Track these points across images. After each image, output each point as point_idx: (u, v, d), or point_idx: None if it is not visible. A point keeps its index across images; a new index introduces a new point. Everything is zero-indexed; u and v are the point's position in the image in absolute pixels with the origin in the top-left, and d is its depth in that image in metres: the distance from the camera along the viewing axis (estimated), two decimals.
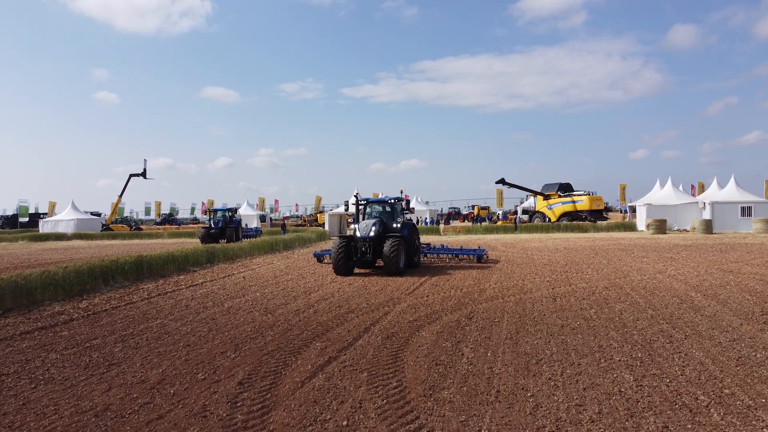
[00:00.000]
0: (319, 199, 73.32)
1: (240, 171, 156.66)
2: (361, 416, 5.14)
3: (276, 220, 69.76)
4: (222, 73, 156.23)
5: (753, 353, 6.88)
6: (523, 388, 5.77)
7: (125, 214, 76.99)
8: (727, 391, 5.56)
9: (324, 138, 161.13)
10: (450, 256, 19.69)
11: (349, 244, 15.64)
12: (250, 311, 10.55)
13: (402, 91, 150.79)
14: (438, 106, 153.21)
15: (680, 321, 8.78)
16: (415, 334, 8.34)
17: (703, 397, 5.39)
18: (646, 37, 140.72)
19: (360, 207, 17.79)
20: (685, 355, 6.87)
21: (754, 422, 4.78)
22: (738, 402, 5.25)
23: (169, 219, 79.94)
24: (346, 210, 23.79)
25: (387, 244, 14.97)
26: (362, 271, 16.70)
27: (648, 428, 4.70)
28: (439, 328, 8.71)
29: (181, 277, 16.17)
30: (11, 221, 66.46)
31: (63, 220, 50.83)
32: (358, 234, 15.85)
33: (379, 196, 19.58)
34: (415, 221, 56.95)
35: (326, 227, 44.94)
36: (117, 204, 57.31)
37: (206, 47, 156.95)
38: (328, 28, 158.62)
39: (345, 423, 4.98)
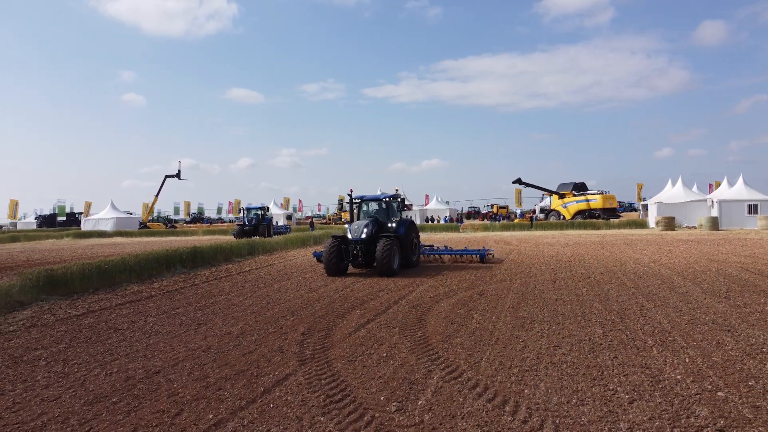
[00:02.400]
0: (342, 199, 75.57)
1: (262, 171, 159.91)
2: (395, 352, 7.12)
3: (300, 219, 72.20)
4: (246, 75, 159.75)
5: (703, 316, 8.70)
6: (516, 337, 7.70)
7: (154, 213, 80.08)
8: (671, 338, 7.42)
9: (345, 138, 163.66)
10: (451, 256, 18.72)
11: (341, 245, 15.26)
12: (296, 290, 12.63)
13: (423, 91, 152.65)
14: (459, 106, 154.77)
15: (655, 296, 10.61)
16: (435, 305, 10.32)
17: (650, 342, 7.26)
18: (671, 35, 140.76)
19: (354, 205, 17.39)
20: (650, 318, 8.71)
21: (682, 355, 6.63)
22: (676, 344, 7.11)
23: (199, 218, 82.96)
24: (341, 209, 23.51)
25: (380, 244, 14.60)
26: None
27: (603, 358, 6.59)
28: (455, 301, 10.69)
29: (230, 266, 18.38)
30: (49, 220, 69.82)
31: (103, 218, 53.87)
32: (349, 236, 15.45)
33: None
34: (431, 220, 58.94)
35: None
36: (154, 203, 60.22)
37: (231, 49, 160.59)
38: (351, 28, 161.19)
39: (384, 355, 6.97)
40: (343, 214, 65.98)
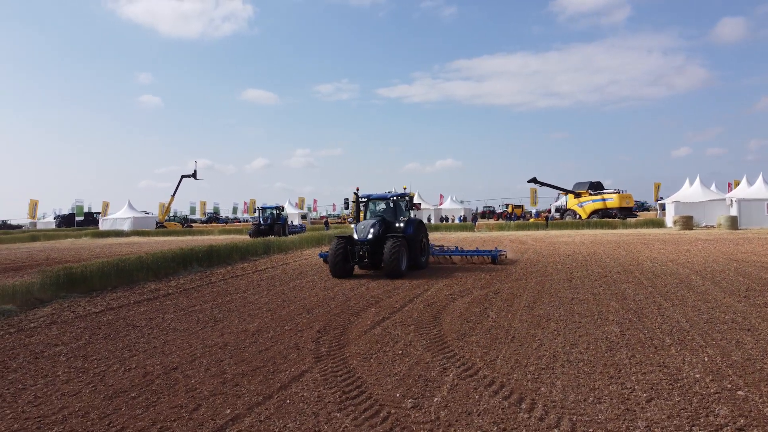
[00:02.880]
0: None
1: (276, 171, 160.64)
2: (411, 349, 7.12)
3: (315, 218, 72.48)
4: (262, 76, 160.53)
5: (722, 315, 8.59)
6: (532, 336, 7.66)
7: (171, 213, 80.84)
8: (689, 337, 7.34)
9: (359, 138, 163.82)
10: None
11: (347, 246, 14.65)
12: (311, 288, 12.67)
13: (436, 90, 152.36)
14: (473, 106, 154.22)
15: (673, 295, 10.50)
16: (451, 303, 10.30)
17: (668, 340, 7.19)
18: (689, 32, 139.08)
19: (361, 204, 16.74)
20: (668, 317, 8.63)
21: (701, 354, 6.56)
22: (694, 343, 7.03)
23: (215, 217, 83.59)
24: (346, 208, 21.01)
25: (387, 245, 14.11)
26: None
27: (620, 357, 6.54)
28: (470, 299, 10.66)
29: (245, 264, 18.49)
30: (68, 220, 70.78)
31: (120, 218, 54.52)
32: (355, 236, 14.96)
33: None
34: (446, 220, 58.85)
35: None
36: (170, 203, 60.75)
37: (247, 50, 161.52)
38: (366, 29, 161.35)
39: (400, 352, 6.97)
40: (345, 216, 66.19)
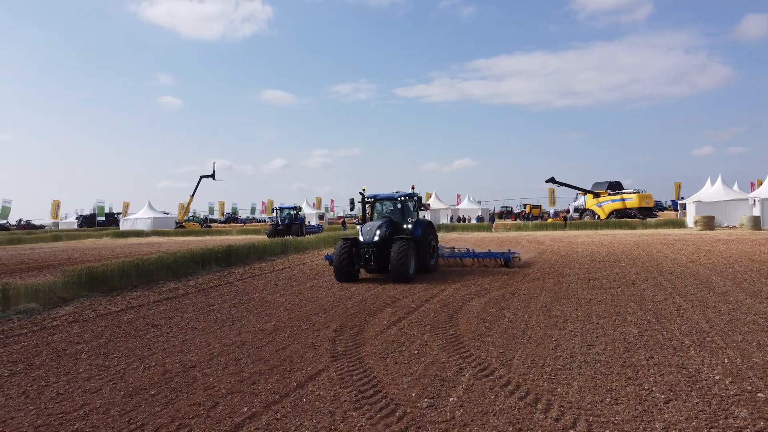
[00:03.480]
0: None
1: (294, 172, 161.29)
2: (427, 349, 7.13)
3: (332, 218, 72.74)
4: (280, 76, 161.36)
5: (743, 317, 8.47)
6: (549, 336, 7.63)
7: (190, 213, 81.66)
8: (709, 338, 7.25)
9: (376, 138, 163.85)
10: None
11: (351, 248, 14.06)
12: (328, 288, 12.73)
13: (455, 90, 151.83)
14: (491, 105, 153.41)
15: (693, 296, 10.36)
16: (467, 303, 10.28)
17: (687, 342, 7.11)
18: (711, 30, 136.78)
19: (367, 205, 16.08)
20: (687, 318, 8.52)
21: (720, 355, 6.48)
22: (714, 345, 6.94)
23: (233, 218, 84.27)
24: (352, 209, 19.53)
25: (395, 248, 13.42)
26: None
27: (638, 358, 6.48)
28: (487, 300, 10.63)
29: (263, 264, 18.64)
30: (89, 220, 71.87)
31: (141, 218, 55.27)
32: (361, 238, 14.26)
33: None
34: (463, 220, 58.69)
35: None
36: (189, 204, 61.39)
37: (266, 51, 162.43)
38: (385, 28, 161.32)
39: (416, 352, 6.98)
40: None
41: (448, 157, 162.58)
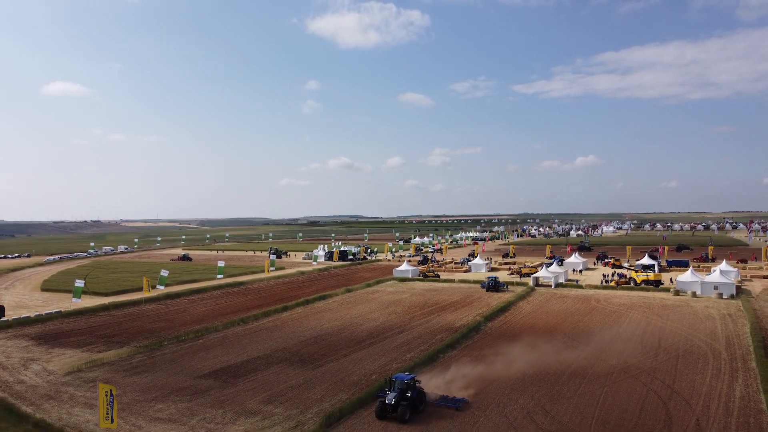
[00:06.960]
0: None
1: (410, 170, 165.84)
2: None
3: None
4: (418, 79, 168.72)
5: None
6: None
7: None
8: None
9: (497, 136, 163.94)
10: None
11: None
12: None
13: (577, 85, 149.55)
14: (615, 99, 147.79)
15: None
16: None
17: None
18: None
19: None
20: None
21: None
22: None
23: None
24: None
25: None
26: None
27: None
28: None
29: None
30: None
31: None
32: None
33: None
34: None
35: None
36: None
37: (411, 57, 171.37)
38: (516, 23, 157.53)
39: None
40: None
41: (570, 153, 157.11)
